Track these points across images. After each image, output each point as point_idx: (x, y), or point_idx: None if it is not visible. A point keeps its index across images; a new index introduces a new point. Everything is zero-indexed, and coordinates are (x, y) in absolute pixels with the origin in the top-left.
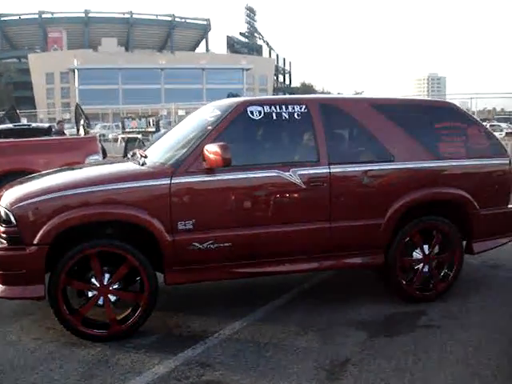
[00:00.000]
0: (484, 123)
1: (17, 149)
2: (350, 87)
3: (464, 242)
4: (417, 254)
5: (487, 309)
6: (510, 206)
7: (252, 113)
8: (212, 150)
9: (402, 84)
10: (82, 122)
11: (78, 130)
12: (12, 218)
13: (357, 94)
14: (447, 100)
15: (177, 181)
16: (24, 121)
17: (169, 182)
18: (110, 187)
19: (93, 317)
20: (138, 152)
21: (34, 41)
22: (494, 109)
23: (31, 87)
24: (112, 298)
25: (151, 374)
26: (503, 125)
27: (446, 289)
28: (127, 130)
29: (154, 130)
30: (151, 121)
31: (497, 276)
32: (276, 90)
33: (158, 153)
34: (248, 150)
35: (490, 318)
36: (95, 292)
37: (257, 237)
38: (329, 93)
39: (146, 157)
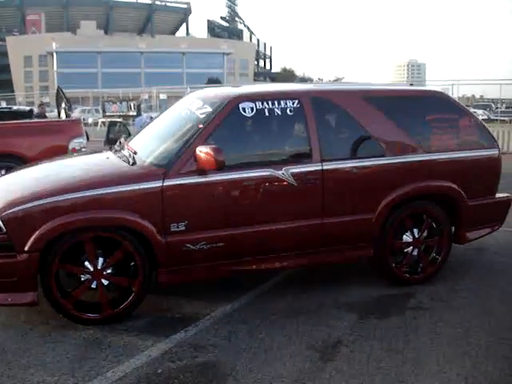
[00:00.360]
0: None
1: (0, 131)
2: (330, 72)
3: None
4: (407, 238)
5: (474, 291)
6: (496, 195)
7: (244, 109)
8: (205, 152)
9: (383, 70)
10: (63, 105)
11: (59, 113)
12: (1, 225)
13: (337, 79)
14: (438, 90)
15: (169, 183)
16: (3, 104)
17: (161, 184)
18: (101, 191)
19: (85, 299)
20: (126, 146)
21: (12, 23)
22: (473, 96)
23: (9, 70)
24: (105, 282)
25: (145, 357)
26: (479, 111)
27: (434, 272)
28: (108, 113)
29: (135, 113)
30: (132, 105)
31: (482, 259)
32: (257, 75)
33: (146, 148)
34: (240, 149)
35: (477, 299)
36: (88, 276)
37: (250, 236)
38: (309, 78)
39: (135, 153)
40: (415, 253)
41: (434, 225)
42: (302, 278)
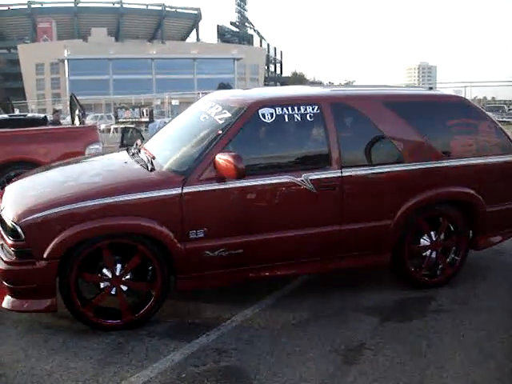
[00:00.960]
0: None
1: (16, 138)
2: (340, 76)
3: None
4: (424, 241)
5: (495, 294)
6: None
7: (264, 115)
8: (225, 159)
9: (393, 73)
10: (76, 111)
11: (72, 120)
12: (20, 232)
13: (348, 82)
14: (459, 95)
15: (188, 190)
16: (17, 111)
17: (180, 191)
18: (120, 198)
19: (105, 305)
20: (143, 149)
21: (23, 31)
22: (485, 98)
23: (21, 78)
24: (124, 288)
25: (168, 361)
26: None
27: (453, 274)
28: (120, 120)
29: (147, 119)
30: (145, 111)
31: (502, 262)
32: (267, 80)
33: (165, 153)
34: (259, 155)
35: (498, 302)
36: (107, 283)
37: (269, 242)
38: (320, 82)
39: (153, 158)
40: (433, 255)
41: (452, 227)
42: (322, 282)
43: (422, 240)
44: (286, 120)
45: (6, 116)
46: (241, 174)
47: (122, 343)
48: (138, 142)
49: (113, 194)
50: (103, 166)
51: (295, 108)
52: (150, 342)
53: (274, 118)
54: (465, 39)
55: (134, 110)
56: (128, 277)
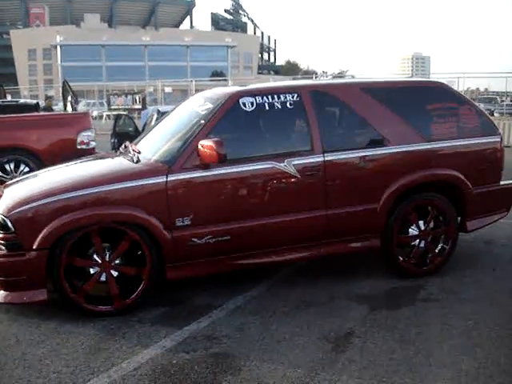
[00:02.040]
0: None
1: (8, 124)
2: (335, 66)
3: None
4: (413, 231)
5: (483, 283)
6: (501, 183)
7: (244, 104)
8: (207, 145)
9: (387, 63)
10: (69, 98)
11: (65, 106)
12: (10, 225)
13: (341, 72)
14: (437, 80)
15: (173, 178)
16: (9, 97)
17: (165, 179)
18: (106, 188)
19: (96, 293)
20: (131, 147)
21: (15, 17)
22: (478, 89)
23: (13, 64)
24: (114, 273)
25: (159, 347)
26: (481, 105)
27: (442, 263)
28: (113, 107)
29: (140, 107)
30: (137, 98)
31: (490, 252)
32: (261, 68)
33: (151, 148)
34: (242, 143)
35: (487, 292)
36: (97, 268)
37: (255, 229)
38: (314, 71)
39: (139, 152)
40: (422, 245)
41: (440, 216)
42: (313, 270)
43: (410, 230)
44: (267, 108)
45: None
46: (222, 158)
47: (114, 329)
48: (126, 143)
49: (100, 184)
50: (91, 164)
51: (275, 96)
52: (141, 328)
53: (254, 106)
54: (459, 30)
55: (126, 96)
56: (117, 262)
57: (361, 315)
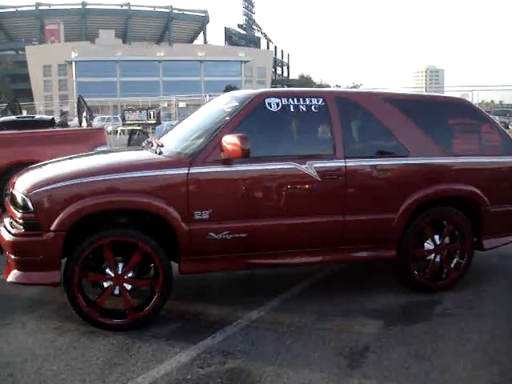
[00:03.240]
0: None
1: (24, 140)
2: (348, 79)
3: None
4: (428, 245)
5: (500, 298)
6: None
7: (270, 104)
8: (231, 140)
9: (400, 76)
10: (84, 113)
11: (80, 121)
12: (29, 204)
13: (355, 86)
14: (460, 96)
15: (195, 171)
16: (24, 113)
17: (186, 171)
18: (127, 175)
19: (110, 306)
20: (154, 141)
21: (31, 33)
22: (492, 101)
23: (29, 79)
24: (128, 286)
25: (174, 362)
26: (496, 118)
27: (458, 278)
28: (128, 122)
29: (154, 122)
30: (152, 113)
31: (506, 266)
32: (274, 83)
33: (175, 142)
34: (265, 142)
35: (504, 307)
36: (111, 282)
37: (272, 228)
38: (327, 85)
39: (162, 146)
40: (438, 259)
41: (456, 231)
42: (328, 285)
43: (425, 244)
44: (292, 110)
45: (13, 117)
46: (246, 153)
47: (129, 344)
48: (148, 140)
49: (120, 171)
50: (115, 154)
51: (300, 99)
52: (156, 343)
53: (279, 107)
54: (473, 43)
55: (141, 112)
56: (130, 275)
57: (376, 330)
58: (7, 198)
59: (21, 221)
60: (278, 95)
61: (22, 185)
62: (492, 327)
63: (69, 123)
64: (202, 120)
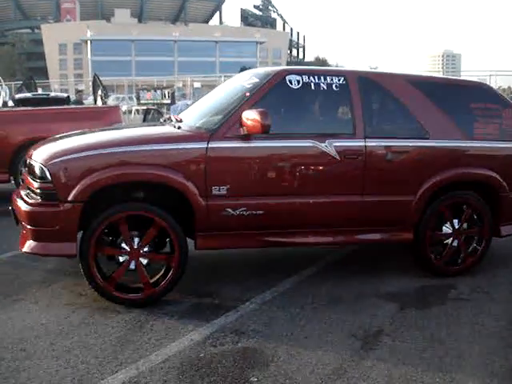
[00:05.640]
0: None
1: (40, 117)
2: (364, 62)
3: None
4: (447, 229)
5: None
6: None
7: (291, 82)
8: (251, 116)
9: (417, 60)
10: (99, 92)
11: (95, 100)
12: (47, 174)
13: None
14: (481, 81)
15: (213, 145)
16: (40, 91)
17: (205, 145)
18: (146, 148)
19: (125, 282)
20: (173, 116)
21: (47, 11)
22: (510, 87)
23: (44, 58)
24: (144, 261)
25: (187, 341)
26: None
27: (475, 263)
28: (142, 101)
29: (169, 101)
30: (167, 93)
31: None
32: (289, 64)
33: (194, 117)
34: (285, 119)
35: None
36: (126, 256)
37: (289, 207)
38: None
39: (181, 121)
40: (455, 244)
41: (475, 215)
42: (342, 267)
43: (444, 228)
44: (313, 88)
45: (29, 95)
46: (266, 129)
47: (142, 321)
48: (171, 115)
49: (140, 143)
50: (132, 128)
51: (322, 77)
52: (169, 321)
53: (300, 84)
54: (490, 27)
55: (155, 91)
56: (146, 249)
57: (390, 313)
58: (24, 170)
59: (38, 191)
60: (299, 72)
61: (40, 155)
62: (507, 313)
63: (84, 102)
64: (222, 96)
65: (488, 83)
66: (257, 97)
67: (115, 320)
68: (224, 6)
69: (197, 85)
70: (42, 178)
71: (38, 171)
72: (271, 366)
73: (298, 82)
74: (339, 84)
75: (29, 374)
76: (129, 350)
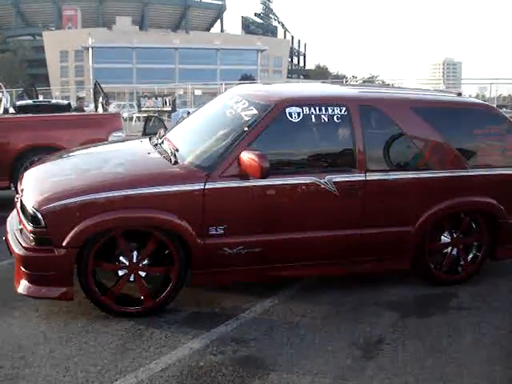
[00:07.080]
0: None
1: (41, 124)
2: (365, 70)
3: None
4: (445, 238)
5: None
6: None
7: (291, 115)
8: (250, 158)
9: (417, 68)
10: (100, 99)
11: (96, 107)
12: (41, 219)
13: (372, 77)
14: (487, 103)
15: (211, 186)
16: (41, 98)
17: (203, 186)
18: (141, 191)
19: (125, 292)
20: (166, 140)
21: (48, 18)
22: (510, 95)
23: (45, 65)
24: (142, 274)
25: (186, 349)
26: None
27: (475, 272)
28: (143, 108)
29: (169, 109)
30: (167, 100)
31: None
32: (290, 72)
33: (189, 146)
34: (284, 155)
35: None
36: (126, 270)
37: (288, 242)
38: (343, 76)
39: (177, 150)
40: (454, 252)
41: (474, 224)
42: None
43: (442, 237)
44: (313, 120)
45: (30, 102)
46: (265, 174)
47: (142, 330)
48: (161, 131)
49: (135, 186)
50: (126, 155)
51: (323, 109)
52: (169, 329)
53: (300, 117)
54: (491, 36)
55: (156, 99)
56: (145, 262)
57: (391, 322)
58: (17, 199)
59: (31, 235)
60: (300, 103)
61: (32, 195)
62: (508, 322)
63: (85, 109)
64: (217, 123)
65: (489, 91)
66: (256, 132)
67: (115, 328)
68: (225, 14)
69: (198, 92)
70: (36, 222)
71: (30, 215)
72: (271, 375)
73: (299, 114)
74: (340, 115)
75: (28, 383)
76: (128, 359)
